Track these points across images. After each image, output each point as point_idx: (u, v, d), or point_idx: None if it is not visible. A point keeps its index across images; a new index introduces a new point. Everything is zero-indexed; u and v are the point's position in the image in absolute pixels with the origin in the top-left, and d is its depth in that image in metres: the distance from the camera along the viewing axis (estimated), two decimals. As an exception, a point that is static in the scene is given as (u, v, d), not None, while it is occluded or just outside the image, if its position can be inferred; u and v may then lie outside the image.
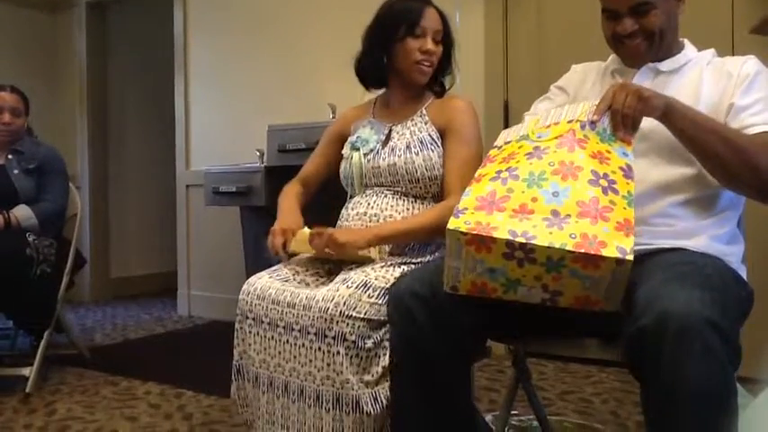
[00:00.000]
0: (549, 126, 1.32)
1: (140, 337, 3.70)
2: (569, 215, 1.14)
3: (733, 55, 1.46)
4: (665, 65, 1.49)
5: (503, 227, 1.15)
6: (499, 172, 1.25)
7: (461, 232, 1.16)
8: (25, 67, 4.82)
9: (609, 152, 1.24)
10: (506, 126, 3.03)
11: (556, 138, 1.26)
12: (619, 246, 1.10)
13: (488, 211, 1.18)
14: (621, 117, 1.26)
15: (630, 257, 1.10)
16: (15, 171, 2.86)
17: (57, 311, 2.80)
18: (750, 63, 1.44)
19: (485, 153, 1.80)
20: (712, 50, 1.52)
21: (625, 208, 1.15)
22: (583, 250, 1.10)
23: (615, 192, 1.17)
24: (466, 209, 1.20)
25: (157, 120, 5.26)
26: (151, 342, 3.61)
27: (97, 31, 5.00)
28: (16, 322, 3.04)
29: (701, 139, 1.30)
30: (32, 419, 2.33)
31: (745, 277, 1.40)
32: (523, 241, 1.12)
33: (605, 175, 1.19)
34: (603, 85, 1.55)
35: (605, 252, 1.10)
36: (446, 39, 1.84)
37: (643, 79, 1.49)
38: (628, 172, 1.21)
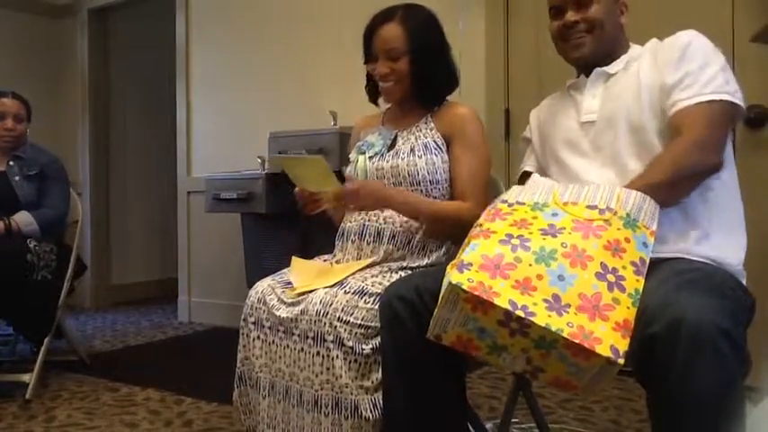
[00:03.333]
0: (566, 204, 1.29)
1: (140, 344, 3.70)
2: (569, 305, 1.13)
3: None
4: (613, 67, 1.54)
5: (504, 294, 1.13)
6: (510, 237, 1.22)
7: (463, 289, 1.14)
8: (27, 73, 4.84)
9: (628, 240, 1.21)
10: (507, 133, 3.05)
11: (573, 220, 1.24)
12: (614, 346, 1.08)
13: (492, 274, 1.16)
14: None
15: (622, 361, 1.08)
16: (17, 177, 2.87)
17: (57, 317, 2.80)
18: (682, 36, 1.44)
19: (492, 158, 1.83)
20: (654, 39, 1.55)
21: (628, 307, 1.13)
22: (578, 341, 1.09)
23: (621, 289, 1.15)
24: (471, 264, 1.18)
25: (159, 126, 5.28)
26: (151, 348, 3.60)
27: (99, 38, 5.02)
28: (16, 328, 3.05)
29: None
30: (32, 426, 2.33)
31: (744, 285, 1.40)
32: (522, 315, 1.11)
33: (614, 270, 1.17)
34: (562, 106, 1.63)
35: (599, 349, 1.08)
36: (415, 49, 1.76)
37: (594, 85, 1.54)
38: (640, 268, 1.19)
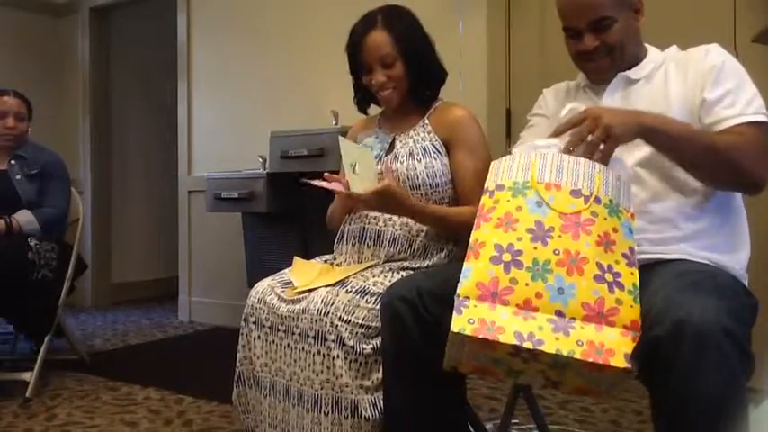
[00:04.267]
0: (549, 187, 1.22)
1: (141, 343, 3.70)
2: (574, 318, 1.11)
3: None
4: (634, 72, 1.50)
5: (508, 327, 1.11)
6: (500, 250, 1.17)
7: (467, 335, 1.12)
8: (28, 72, 4.84)
9: (616, 230, 1.18)
10: (509, 134, 3.04)
11: (560, 215, 1.19)
12: (627, 353, 1.08)
13: (491, 303, 1.14)
14: (588, 150, 1.25)
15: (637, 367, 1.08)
16: (18, 176, 2.86)
17: (57, 316, 2.80)
18: (713, 54, 1.42)
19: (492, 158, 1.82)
20: (674, 47, 1.53)
21: (632, 305, 1.12)
22: (591, 359, 1.08)
23: (621, 287, 1.13)
24: (467, 299, 1.15)
25: (160, 125, 5.27)
26: (151, 348, 3.60)
27: (100, 36, 5.02)
28: (17, 326, 3.05)
29: (680, 151, 1.31)
30: (32, 424, 2.33)
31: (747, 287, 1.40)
32: (530, 347, 1.09)
33: (609, 268, 1.14)
34: (577, 100, 1.56)
35: (613, 362, 1.08)
36: (406, 51, 1.76)
37: (615, 90, 1.51)
38: (631, 258, 1.17)
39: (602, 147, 1.25)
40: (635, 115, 1.30)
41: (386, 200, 1.61)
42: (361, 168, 1.60)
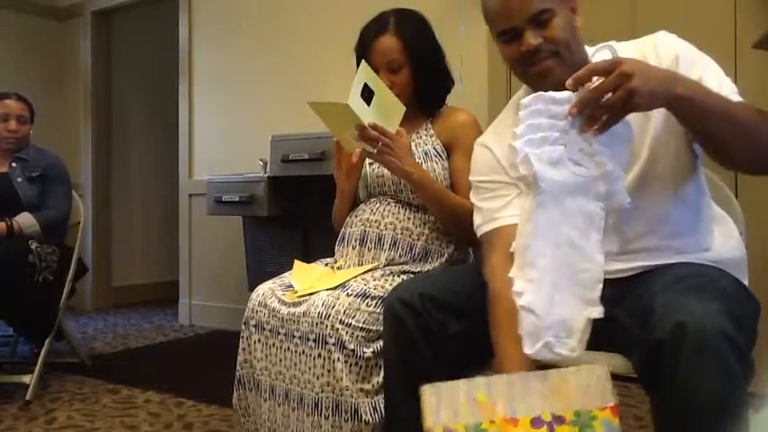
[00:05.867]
0: (506, 425, 1.07)
1: (141, 346, 3.70)
2: None
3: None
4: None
5: None
6: None
7: None
8: (30, 75, 4.85)
9: None
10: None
11: None
12: None
13: None
14: (601, 113, 1.12)
15: None
16: (19, 179, 2.87)
17: (58, 319, 2.80)
18: (664, 49, 1.31)
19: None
20: (612, 43, 1.37)
21: None
22: None
23: None
24: None
25: (161, 128, 5.28)
26: (152, 351, 3.60)
27: (102, 40, 5.03)
28: (17, 329, 3.05)
29: (707, 125, 1.19)
30: (32, 427, 2.33)
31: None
32: None
33: None
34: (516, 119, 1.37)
35: None
36: (414, 58, 1.76)
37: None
38: None
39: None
40: (669, 82, 1.14)
41: (399, 146, 1.62)
42: (377, 101, 1.53)
